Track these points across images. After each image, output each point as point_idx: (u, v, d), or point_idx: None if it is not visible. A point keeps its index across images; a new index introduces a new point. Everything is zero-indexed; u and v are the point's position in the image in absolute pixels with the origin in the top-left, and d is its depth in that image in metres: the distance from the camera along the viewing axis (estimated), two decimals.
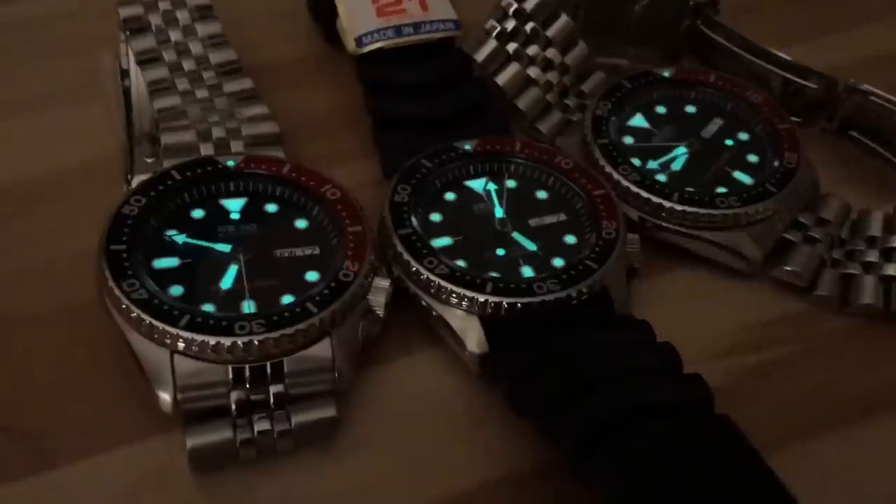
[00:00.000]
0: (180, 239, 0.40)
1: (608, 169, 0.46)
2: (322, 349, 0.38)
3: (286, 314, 0.37)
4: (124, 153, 0.47)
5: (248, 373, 0.37)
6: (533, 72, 0.50)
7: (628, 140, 0.49)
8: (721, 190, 0.46)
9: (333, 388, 0.38)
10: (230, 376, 0.37)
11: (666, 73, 0.51)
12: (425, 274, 0.40)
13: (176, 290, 0.39)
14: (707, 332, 0.44)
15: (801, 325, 0.45)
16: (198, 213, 0.42)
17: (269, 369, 0.37)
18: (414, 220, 0.43)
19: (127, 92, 0.49)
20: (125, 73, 0.49)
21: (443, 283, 0.40)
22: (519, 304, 0.40)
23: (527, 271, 0.42)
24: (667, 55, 0.55)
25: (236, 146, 0.45)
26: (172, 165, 0.42)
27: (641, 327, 0.40)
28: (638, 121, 0.50)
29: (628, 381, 0.36)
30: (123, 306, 0.37)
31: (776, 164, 0.47)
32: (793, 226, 0.46)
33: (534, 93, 0.50)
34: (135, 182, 0.44)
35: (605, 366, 0.37)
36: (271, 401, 0.37)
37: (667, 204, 0.45)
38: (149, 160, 0.46)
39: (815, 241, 0.46)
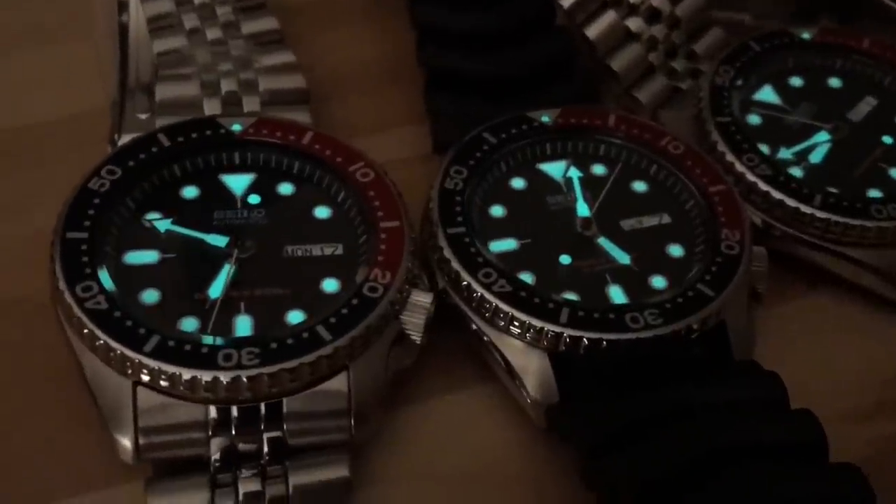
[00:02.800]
0: (163, 225, 0.31)
1: (729, 157, 0.35)
2: (336, 386, 0.28)
3: (289, 341, 0.28)
4: (113, 106, 0.37)
5: (235, 415, 0.28)
6: (633, 23, 0.39)
7: (754, 119, 0.38)
8: (875, 193, 0.35)
9: (349, 438, 0.28)
10: (211, 418, 0.27)
11: (805, 35, 0.40)
12: (479, 291, 0.30)
13: (150, 297, 0.29)
14: (845, 385, 0.33)
15: None
16: (190, 193, 0.32)
17: (262, 411, 0.28)
18: (470, 214, 0.33)
19: (124, 29, 0.39)
20: (123, 6, 0.39)
21: (501, 305, 0.30)
22: (604, 342, 0.29)
23: (616, 294, 0.32)
24: (800, 12, 0.44)
25: (250, 104, 0.35)
26: (162, 127, 0.33)
27: (769, 383, 0.29)
28: (767, 94, 0.39)
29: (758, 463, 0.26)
30: (75, 318, 0.28)
31: None
32: None
33: (633, 51, 0.40)
34: (122, 141, 0.34)
35: (721, 439, 0.27)
36: (265, 453, 0.28)
37: (806, 209, 0.34)
38: (142, 116, 0.36)
39: None
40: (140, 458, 0.27)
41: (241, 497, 0.27)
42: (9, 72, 0.40)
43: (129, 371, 0.27)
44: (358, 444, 0.29)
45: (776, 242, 0.35)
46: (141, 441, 0.27)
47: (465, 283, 0.31)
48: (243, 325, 0.29)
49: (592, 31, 0.39)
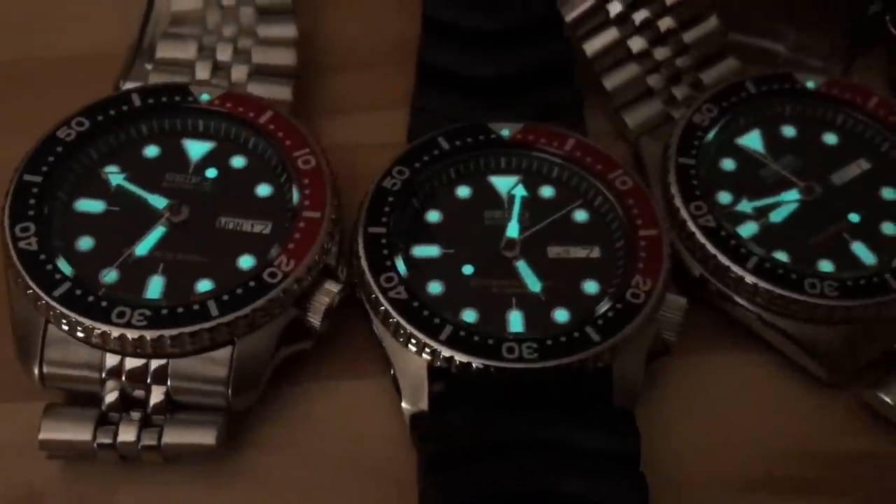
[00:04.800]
0: (116, 179, 0.34)
1: (677, 201, 0.35)
2: (220, 357, 0.31)
3: (179, 310, 0.30)
4: (128, 53, 0.40)
5: (125, 366, 0.31)
6: (636, 43, 0.39)
7: (728, 164, 0.37)
8: (825, 266, 0.34)
9: (227, 405, 0.31)
10: (106, 364, 0.31)
11: (810, 83, 0.38)
12: (375, 293, 0.32)
13: (85, 244, 0.32)
14: (740, 451, 0.33)
15: (877, 477, 0.33)
16: (151, 152, 0.35)
17: (151, 368, 0.31)
18: (401, 215, 0.34)
19: None
20: None
21: (392, 311, 0.31)
22: (474, 366, 0.30)
23: (515, 319, 0.32)
24: (841, 48, 0.41)
25: (237, 73, 0.38)
26: (137, 87, 0.36)
27: (625, 439, 0.30)
28: (752, 140, 0.37)
29: None
30: (10, 256, 0.31)
31: None
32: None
33: (629, 71, 0.39)
34: (125, 87, 0.37)
35: (538, 482, 0.28)
36: (150, 404, 0.31)
37: (736, 270, 0.33)
38: (149, 67, 0.39)
39: None
40: (46, 385, 0.31)
41: (118, 438, 0.31)
42: (36, 3, 0.43)
43: (42, 309, 0.31)
44: (237, 411, 0.32)
45: (713, 297, 0.34)
46: (45, 370, 0.31)
47: (366, 281, 0.32)
48: (155, 287, 0.32)
49: (590, 46, 0.39)
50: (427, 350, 0.31)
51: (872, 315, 0.33)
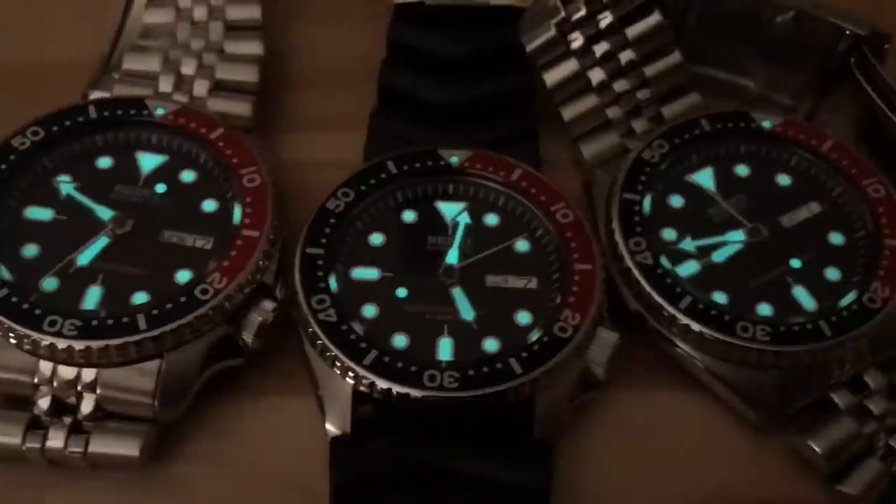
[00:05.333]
0: (67, 188, 0.35)
1: (617, 236, 0.35)
2: (148, 369, 0.31)
3: (109, 321, 0.31)
4: (100, 62, 0.41)
5: (58, 373, 0.31)
6: (596, 75, 0.39)
7: (677, 201, 0.37)
8: (764, 309, 0.34)
9: (153, 417, 0.32)
10: (40, 370, 0.31)
11: (767, 123, 0.38)
12: (306, 313, 0.32)
13: (30, 251, 0.33)
14: (663, 488, 0.33)
15: None
16: (104, 163, 0.36)
17: (82, 376, 0.31)
18: (342, 236, 0.34)
19: None
20: None
21: (320, 332, 0.32)
22: (395, 392, 0.31)
23: (444, 348, 0.33)
24: (810, 87, 0.41)
25: (199, 87, 0.38)
26: (94, 100, 0.36)
27: (536, 475, 0.30)
28: (704, 178, 0.37)
29: None
30: None
31: (856, 294, 0.34)
32: (849, 384, 0.33)
33: (588, 102, 0.39)
34: (92, 96, 0.38)
35: None
36: (80, 411, 0.32)
37: (669, 309, 0.33)
38: (116, 77, 0.40)
39: (870, 415, 0.33)
40: None
41: (46, 442, 0.31)
42: (23, 6, 0.44)
43: None
44: (166, 423, 0.32)
45: (649, 334, 0.34)
46: None
47: (298, 302, 0.33)
48: (92, 297, 0.32)
49: (550, 77, 0.39)
50: (350, 374, 0.31)
51: (804, 362, 0.33)
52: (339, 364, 0.31)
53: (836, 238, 0.36)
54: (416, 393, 0.31)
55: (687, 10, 0.41)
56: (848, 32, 0.39)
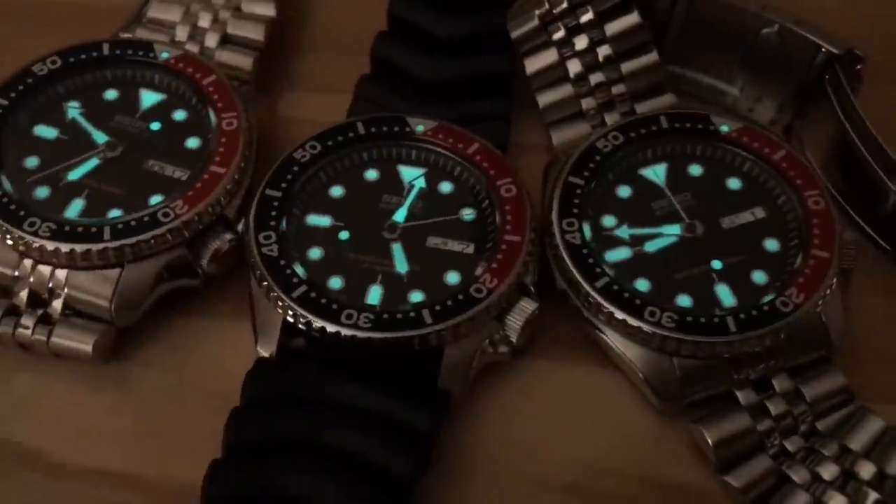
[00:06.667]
0: (73, 113, 0.39)
1: (553, 215, 0.37)
2: (109, 276, 0.35)
3: (80, 229, 0.35)
4: (136, 8, 0.45)
5: (35, 270, 0.36)
6: (573, 66, 0.41)
7: (624, 191, 0.38)
8: (683, 300, 0.35)
9: (110, 319, 0.36)
10: (22, 265, 0.36)
11: (725, 127, 0.39)
12: (252, 245, 0.36)
13: (31, 163, 0.38)
14: (561, 454, 0.35)
15: None
16: (110, 95, 0.40)
17: (55, 275, 0.36)
18: (304, 185, 0.38)
19: None
20: None
21: (259, 262, 0.35)
22: (314, 325, 0.34)
23: (373, 294, 0.35)
24: (791, 101, 0.42)
25: (210, 40, 0.42)
26: (108, 39, 0.41)
27: (423, 417, 0.32)
28: (655, 173, 0.39)
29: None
30: None
31: (772, 296, 0.35)
32: (756, 384, 0.35)
33: (562, 91, 0.41)
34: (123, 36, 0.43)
35: (332, 436, 0.31)
36: (51, 304, 0.36)
37: (585, 286, 0.35)
38: (143, 23, 0.44)
39: (767, 414, 0.34)
40: None
41: (17, 329, 0.36)
42: None
43: None
44: (120, 326, 0.36)
45: (572, 311, 0.36)
46: None
47: (248, 235, 0.36)
48: (74, 208, 0.37)
49: (530, 64, 0.41)
50: (280, 304, 0.34)
51: (705, 353, 0.34)
52: (272, 294, 0.35)
53: (771, 244, 0.37)
54: (332, 328, 0.34)
55: (672, 13, 0.42)
56: (823, 50, 0.40)
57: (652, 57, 0.41)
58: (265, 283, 0.35)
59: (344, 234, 0.37)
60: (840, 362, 0.36)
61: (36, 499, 0.34)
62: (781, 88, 0.43)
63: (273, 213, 0.37)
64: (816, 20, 0.41)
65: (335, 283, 0.36)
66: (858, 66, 0.39)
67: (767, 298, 0.35)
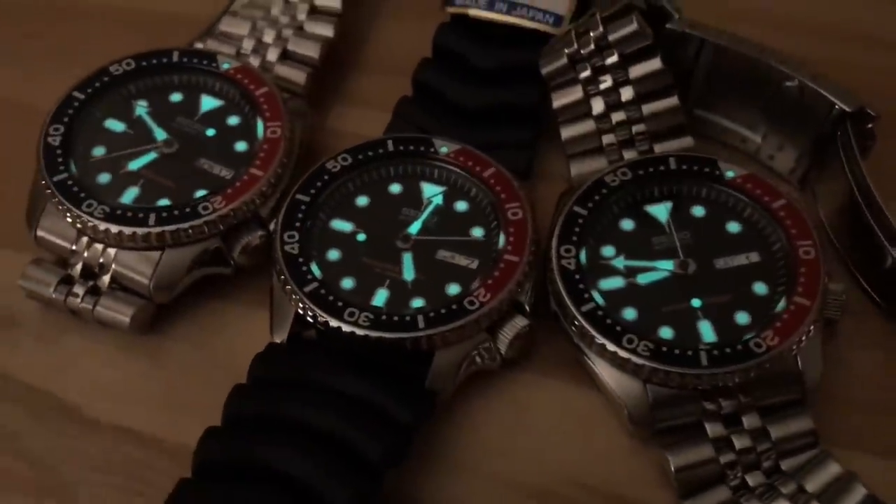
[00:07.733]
0: (140, 111, 0.44)
1: (553, 240, 0.40)
2: (151, 258, 0.40)
3: (129, 213, 0.40)
4: (210, 21, 0.50)
5: (90, 246, 0.41)
6: (597, 104, 0.43)
7: (627, 225, 0.41)
8: (665, 332, 0.38)
9: (149, 295, 0.40)
10: (79, 241, 0.41)
11: (730, 173, 0.41)
12: (276, 242, 0.40)
13: (98, 151, 0.43)
14: (532, 463, 0.38)
15: None
16: (175, 98, 0.45)
17: (106, 252, 0.40)
18: (332, 193, 0.41)
19: None
20: None
21: (280, 258, 0.39)
22: (319, 318, 0.38)
23: (379, 297, 0.39)
24: (809, 154, 0.44)
25: (271, 54, 0.47)
26: (178, 47, 0.45)
27: (404, 411, 0.35)
28: (660, 210, 0.41)
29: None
30: (38, 146, 0.42)
31: (748, 337, 0.37)
32: (726, 419, 0.36)
33: (586, 126, 0.44)
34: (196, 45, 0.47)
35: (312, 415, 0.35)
36: (100, 278, 0.41)
37: (571, 309, 0.38)
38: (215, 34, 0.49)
39: (732, 447, 0.36)
40: (38, 244, 0.42)
41: (68, 297, 0.41)
42: None
43: (44, 192, 0.41)
44: (158, 303, 0.41)
45: (562, 330, 0.39)
46: (38, 233, 0.41)
47: (275, 231, 0.40)
48: (129, 195, 0.41)
49: (557, 99, 0.44)
50: (294, 297, 0.38)
51: (675, 382, 0.36)
52: (287, 287, 0.39)
53: (759, 288, 0.38)
54: (334, 323, 0.37)
55: (697, 62, 0.44)
56: (836, 108, 0.41)
57: (672, 101, 0.43)
58: (283, 276, 0.39)
59: (361, 239, 0.40)
60: (818, 408, 0.37)
61: (69, 447, 0.39)
62: (800, 139, 0.44)
63: (300, 216, 0.40)
64: (840, 74, 0.42)
65: (347, 283, 0.39)
66: (870, 125, 0.41)
67: (745, 338, 0.37)
